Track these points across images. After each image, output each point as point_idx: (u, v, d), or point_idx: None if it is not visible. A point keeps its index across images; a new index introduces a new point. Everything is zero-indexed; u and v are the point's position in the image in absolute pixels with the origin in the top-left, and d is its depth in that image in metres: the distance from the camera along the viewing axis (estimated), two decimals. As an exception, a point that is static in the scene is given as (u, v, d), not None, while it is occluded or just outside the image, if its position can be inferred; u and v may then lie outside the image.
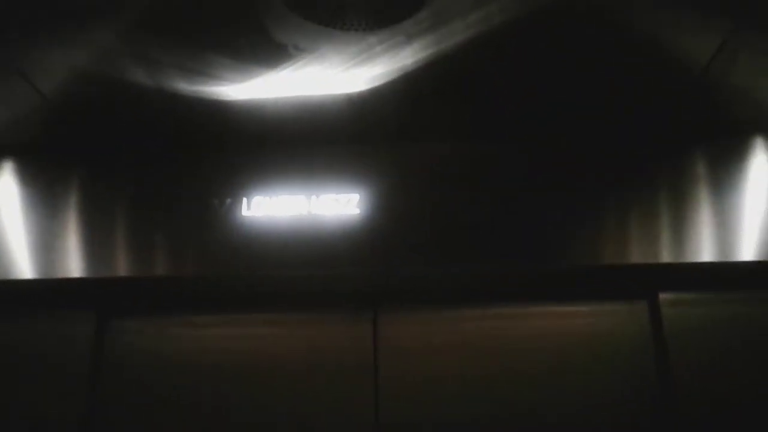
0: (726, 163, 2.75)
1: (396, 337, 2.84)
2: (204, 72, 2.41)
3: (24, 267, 2.73)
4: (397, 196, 2.77)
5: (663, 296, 2.75)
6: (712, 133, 2.77)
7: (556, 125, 2.80)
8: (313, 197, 2.77)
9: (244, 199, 2.79)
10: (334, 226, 2.73)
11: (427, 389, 2.74)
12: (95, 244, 2.78)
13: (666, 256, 2.66)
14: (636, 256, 2.69)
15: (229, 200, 2.79)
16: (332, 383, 2.77)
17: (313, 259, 2.71)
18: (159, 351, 2.84)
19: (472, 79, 2.52)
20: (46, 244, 2.77)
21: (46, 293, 2.81)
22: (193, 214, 2.79)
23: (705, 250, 2.64)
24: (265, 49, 2.27)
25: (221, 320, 2.92)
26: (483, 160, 2.85)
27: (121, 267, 2.76)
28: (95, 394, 2.74)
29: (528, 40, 2.27)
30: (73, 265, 2.76)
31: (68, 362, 2.74)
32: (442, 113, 2.72)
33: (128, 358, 2.84)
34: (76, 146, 2.88)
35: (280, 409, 2.73)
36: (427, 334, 2.84)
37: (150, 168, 2.89)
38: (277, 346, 2.85)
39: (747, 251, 2.60)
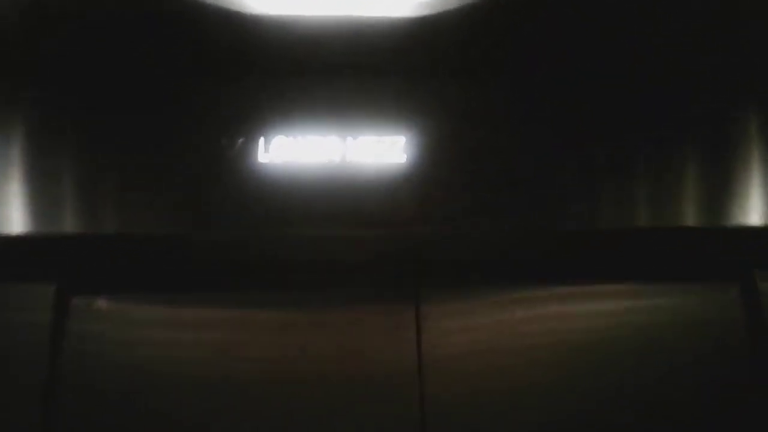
0: None
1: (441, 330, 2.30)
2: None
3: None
4: (452, 142, 2.22)
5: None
6: None
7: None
8: (349, 139, 2.21)
9: (261, 139, 2.19)
10: (374, 176, 2.18)
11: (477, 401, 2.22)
12: (50, 197, 2.15)
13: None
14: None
15: (241, 140, 2.19)
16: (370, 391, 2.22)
17: (346, 218, 2.15)
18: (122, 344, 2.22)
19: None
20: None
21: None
22: (192, 156, 2.18)
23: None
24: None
25: (221, 299, 2.32)
26: (550, 107, 2.34)
27: (89, 224, 2.14)
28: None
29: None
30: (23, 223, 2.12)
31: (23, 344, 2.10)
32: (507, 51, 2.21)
33: (90, 345, 2.21)
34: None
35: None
36: (476, 325, 2.32)
37: (135, 94, 2.23)
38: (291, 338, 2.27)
39: None
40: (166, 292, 2.29)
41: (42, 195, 2.13)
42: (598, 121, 2.28)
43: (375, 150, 2.19)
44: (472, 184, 2.20)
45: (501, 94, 2.30)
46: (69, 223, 2.14)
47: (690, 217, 2.23)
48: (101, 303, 2.26)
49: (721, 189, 2.23)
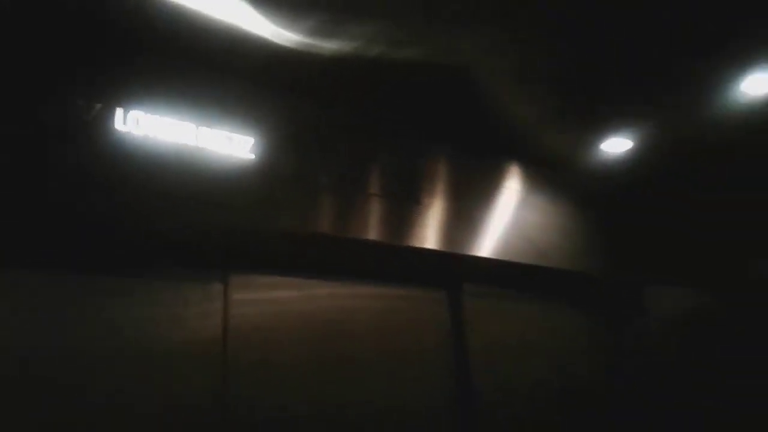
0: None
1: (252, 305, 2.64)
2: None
3: None
4: (293, 151, 2.60)
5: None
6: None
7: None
8: (204, 128, 2.40)
9: (118, 110, 2.23)
10: (223, 166, 2.41)
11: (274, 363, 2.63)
12: None
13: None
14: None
15: (99, 105, 2.19)
16: (176, 359, 2.43)
17: (192, 201, 2.33)
18: None
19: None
20: None
21: None
22: (48, 115, 2.09)
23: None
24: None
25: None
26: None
27: None
28: None
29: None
30: None
31: None
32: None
33: None
34: None
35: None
36: (277, 299, 2.73)
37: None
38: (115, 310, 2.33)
39: (552, 260, 3.30)
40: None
41: None
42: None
43: (227, 144, 2.44)
44: (295, 192, 2.61)
45: (336, 124, 2.80)
46: None
47: (419, 240, 3.00)
48: None
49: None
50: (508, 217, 3.26)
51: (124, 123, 2.23)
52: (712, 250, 3.87)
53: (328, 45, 2.46)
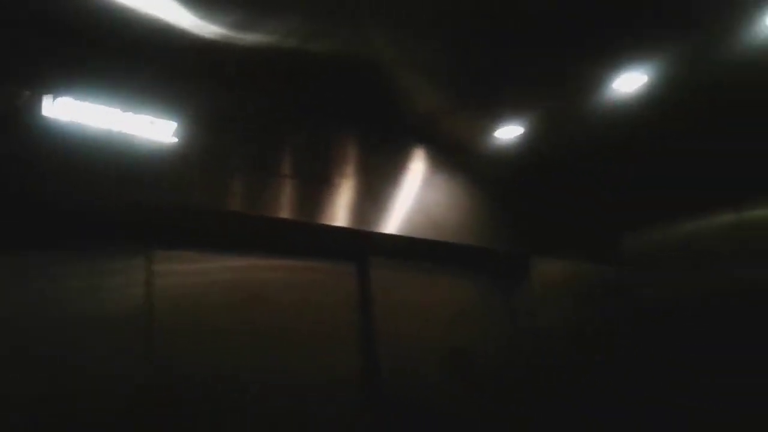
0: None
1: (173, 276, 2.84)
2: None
3: None
4: (212, 135, 2.80)
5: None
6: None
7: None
8: (128, 114, 2.55)
9: (46, 97, 2.35)
10: (146, 149, 2.59)
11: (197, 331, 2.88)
12: None
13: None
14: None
15: (27, 93, 2.31)
16: (103, 327, 2.61)
17: (117, 182, 2.50)
18: None
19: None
20: None
21: None
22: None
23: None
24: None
25: None
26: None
27: None
28: None
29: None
30: None
31: None
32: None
33: None
34: None
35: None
36: (197, 271, 2.96)
37: None
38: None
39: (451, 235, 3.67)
40: None
41: None
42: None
43: (149, 128, 2.61)
44: (212, 173, 2.82)
45: (252, 112, 3.01)
46: None
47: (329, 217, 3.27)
48: None
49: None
50: (412, 197, 3.60)
51: (52, 109, 2.37)
52: (588, 226, 4.38)
53: (247, 38, 2.66)
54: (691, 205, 4.30)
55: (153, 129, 2.62)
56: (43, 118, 2.34)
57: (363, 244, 3.49)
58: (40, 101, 2.34)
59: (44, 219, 2.51)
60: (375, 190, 3.42)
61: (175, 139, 2.68)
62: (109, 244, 2.72)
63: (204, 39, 2.59)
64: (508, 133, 3.69)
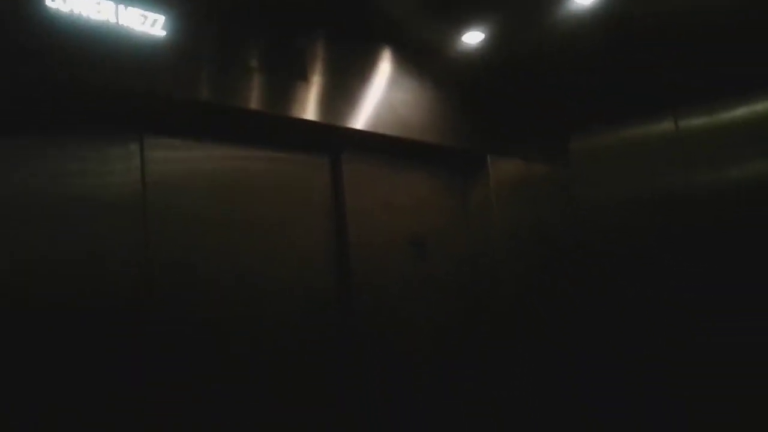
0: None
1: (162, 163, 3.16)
2: None
3: None
4: (198, 30, 3.01)
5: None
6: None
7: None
8: (121, 7, 2.75)
9: (48, -11, 2.55)
10: (137, 40, 2.80)
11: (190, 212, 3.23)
12: None
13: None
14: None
15: (29, -15, 2.49)
16: (98, 211, 2.90)
17: (112, 70, 2.73)
18: None
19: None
20: None
21: None
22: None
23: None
24: None
25: None
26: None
27: None
28: None
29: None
30: None
31: None
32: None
33: None
34: None
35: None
36: (188, 158, 3.27)
37: None
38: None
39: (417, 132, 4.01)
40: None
41: None
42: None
43: (140, 20, 2.81)
44: (196, 65, 3.05)
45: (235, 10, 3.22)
46: None
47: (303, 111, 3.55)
48: None
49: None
50: (381, 96, 3.89)
51: (52, 0, 2.56)
52: (542, 128, 4.75)
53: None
54: (635, 111, 4.69)
55: (144, 22, 2.83)
56: (46, 9, 2.54)
57: (336, 138, 3.80)
58: (41, -7, 2.54)
59: (46, 106, 2.76)
60: (346, 87, 3.70)
61: (164, 32, 2.89)
62: (107, 130, 2.98)
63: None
64: (473, 38, 3.97)
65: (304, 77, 3.49)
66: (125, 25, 2.77)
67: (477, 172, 4.44)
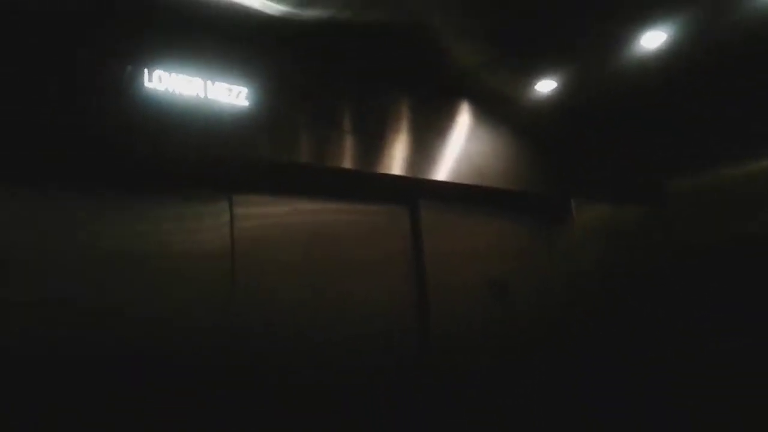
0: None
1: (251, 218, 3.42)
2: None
3: None
4: (279, 97, 3.30)
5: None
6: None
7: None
8: (209, 82, 3.07)
9: (145, 71, 2.89)
10: (224, 111, 3.11)
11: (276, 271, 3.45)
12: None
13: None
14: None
15: (129, 67, 2.85)
16: (190, 265, 3.18)
17: (202, 139, 3.04)
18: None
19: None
20: None
21: None
22: (93, 71, 2.77)
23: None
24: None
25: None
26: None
27: None
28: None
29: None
30: None
31: None
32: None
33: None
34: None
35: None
36: (269, 218, 3.50)
37: (39, 15, 2.70)
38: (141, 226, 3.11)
39: (493, 180, 4.08)
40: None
41: None
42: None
43: (225, 93, 3.12)
44: (281, 130, 3.32)
45: (313, 75, 3.49)
46: None
47: (384, 167, 3.73)
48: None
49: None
50: (457, 147, 4.01)
51: (150, 81, 2.91)
52: (629, 170, 4.65)
53: (307, 12, 3.11)
54: (730, 151, 4.50)
55: (230, 94, 3.14)
56: (143, 88, 2.89)
57: (414, 190, 3.95)
58: (140, 74, 2.89)
59: (145, 172, 3.10)
60: (424, 142, 3.86)
61: (247, 102, 3.19)
62: (198, 191, 3.29)
63: (270, 15, 3.07)
64: (545, 86, 4.02)
65: (382, 136, 3.69)
66: (213, 98, 3.09)
67: (561, 216, 4.43)
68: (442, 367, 3.81)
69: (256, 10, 3.03)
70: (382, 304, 3.78)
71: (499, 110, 4.20)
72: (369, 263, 3.79)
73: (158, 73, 2.94)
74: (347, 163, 3.54)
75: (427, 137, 3.89)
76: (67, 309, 2.81)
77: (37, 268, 2.78)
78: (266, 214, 3.51)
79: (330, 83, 3.57)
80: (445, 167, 3.93)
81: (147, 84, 2.90)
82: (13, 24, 2.63)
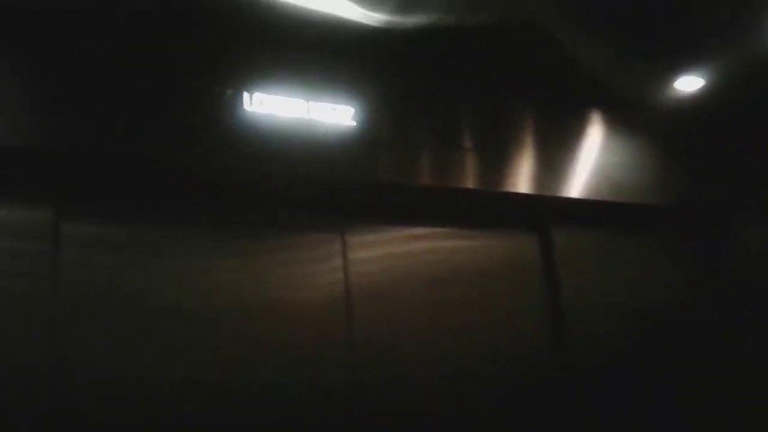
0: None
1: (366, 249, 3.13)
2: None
3: None
4: (388, 115, 3.05)
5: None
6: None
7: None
8: (312, 103, 2.88)
9: (245, 94, 2.75)
10: (329, 133, 2.89)
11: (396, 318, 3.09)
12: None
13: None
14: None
15: (230, 91, 2.71)
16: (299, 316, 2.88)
17: (308, 162, 2.82)
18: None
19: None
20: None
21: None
22: (191, 98, 2.65)
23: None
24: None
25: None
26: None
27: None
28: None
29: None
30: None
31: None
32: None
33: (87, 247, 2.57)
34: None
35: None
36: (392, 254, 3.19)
37: (141, 40, 2.64)
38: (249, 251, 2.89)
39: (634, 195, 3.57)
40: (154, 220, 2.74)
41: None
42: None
43: (330, 114, 2.91)
44: (393, 149, 3.04)
45: (425, 89, 3.22)
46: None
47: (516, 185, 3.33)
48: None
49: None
50: (590, 160, 3.55)
51: (251, 104, 2.76)
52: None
53: (409, 19, 2.86)
54: None
55: (334, 115, 2.92)
56: (244, 112, 2.73)
57: (544, 210, 3.51)
58: (241, 97, 2.74)
59: (247, 202, 2.90)
60: (552, 156, 3.44)
61: (354, 123, 2.95)
62: (305, 227, 3.03)
63: (370, 27, 2.85)
64: (689, 83, 3.51)
65: (506, 150, 3.34)
66: (317, 119, 2.88)
67: (719, 232, 3.79)
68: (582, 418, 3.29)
69: (356, 22, 2.81)
70: (518, 345, 3.32)
71: (635, 115, 3.69)
72: (496, 297, 3.35)
73: (258, 95, 2.77)
74: (469, 182, 3.19)
75: (555, 151, 3.46)
76: (168, 369, 2.58)
77: (128, 318, 2.58)
78: (382, 248, 3.18)
79: (442, 96, 3.27)
80: (577, 183, 3.46)
81: (247, 107, 2.74)
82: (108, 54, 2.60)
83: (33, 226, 2.44)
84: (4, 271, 2.35)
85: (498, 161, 3.29)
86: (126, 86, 2.54)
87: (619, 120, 3.67)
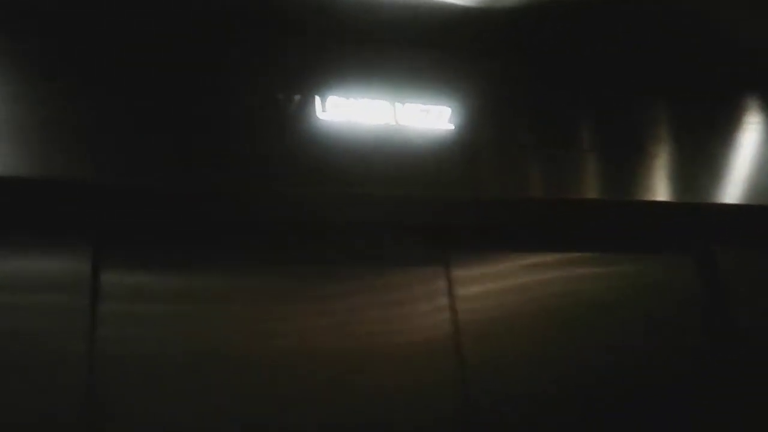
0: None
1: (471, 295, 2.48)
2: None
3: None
4: (492, 114, 2.45)
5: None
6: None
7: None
8: (398, 105, 2.34)
9: (317, 98, 2.24)
10: (422, 139, 2.32)
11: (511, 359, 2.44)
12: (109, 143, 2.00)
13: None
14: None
15: (298, 97, 2.22)
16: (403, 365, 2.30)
17: (397, 179, 2.25)
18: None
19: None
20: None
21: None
22: (252, 109, 2.16)
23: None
24: None
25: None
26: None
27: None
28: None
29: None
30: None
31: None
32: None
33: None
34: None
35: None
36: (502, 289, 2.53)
37: (192, 43, 2.20)
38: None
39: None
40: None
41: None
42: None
43: (421, 117, 2.35)
44: (500, 157, 2.43)
45: (534, 81, 2.62)
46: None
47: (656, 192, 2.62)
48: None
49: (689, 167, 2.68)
50: (754, 158, 2.78)
51: (324, 110, 2.24)
52: None
53: (507, -3, 2.29)
54: None
55: (427, 117, 2.36)
56: (317, 120, 2.22)
57: (699, 221, 2.77)
58: (312, 103, 2.23)
59: (324, 229, 2.35)
60: (705, 154, 2.72)
61: (452, 126, 2.38)
62: (400, 252, 2.46)
63: (461, 7, 2.27)
64: None
65: (642, 150, 2.65)
66: (406, 124, 2.32)
67: None
68: None
69: (444, 3, 2.25)
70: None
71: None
72: (645, 332, 2.62)
73: (334, 100, 2.24)
74: (593, 192, 2.54)
75: (709, 149, 2.76)
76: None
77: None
78: (494, 281, 2.54)
79: (556, 90, 2.65)
80: (739, 190, 2.72)
81: (320, 115, 2.23)
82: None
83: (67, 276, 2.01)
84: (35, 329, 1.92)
85: (631, 163, 2.60)
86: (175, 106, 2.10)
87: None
